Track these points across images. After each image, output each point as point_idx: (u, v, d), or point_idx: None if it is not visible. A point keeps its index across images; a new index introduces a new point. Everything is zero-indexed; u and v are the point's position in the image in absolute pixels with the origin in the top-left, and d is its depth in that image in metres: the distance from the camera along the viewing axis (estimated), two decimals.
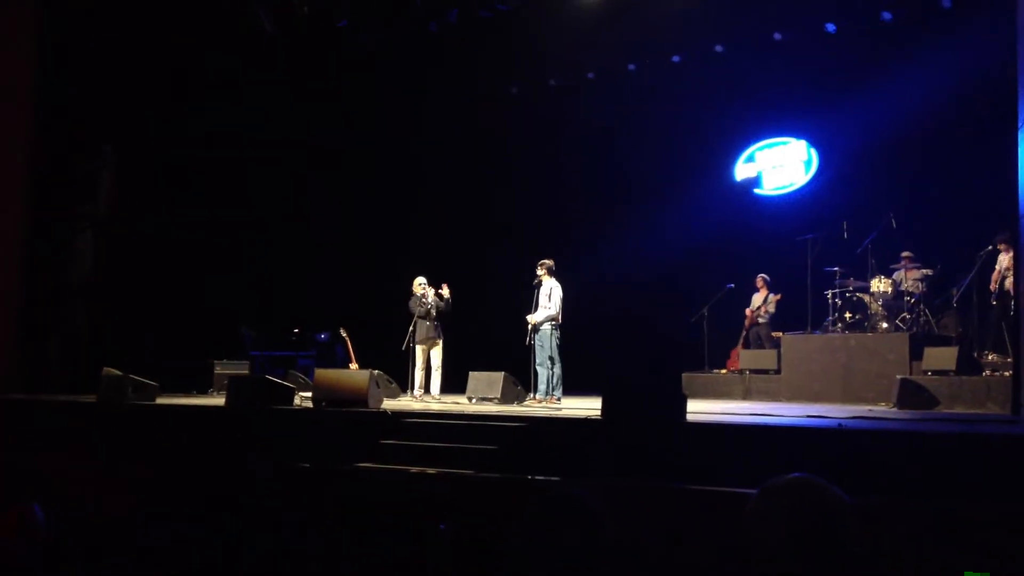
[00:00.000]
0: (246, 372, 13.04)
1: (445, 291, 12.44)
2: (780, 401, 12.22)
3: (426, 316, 12.30)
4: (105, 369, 11.04)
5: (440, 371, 12.31)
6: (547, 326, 11.22)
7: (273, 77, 14.78)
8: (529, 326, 11.32)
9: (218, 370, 13.17)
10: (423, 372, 12.33)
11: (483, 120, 16.29)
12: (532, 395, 11.29)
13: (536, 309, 11.33)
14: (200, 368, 13.33)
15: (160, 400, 11.09)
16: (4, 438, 10.18)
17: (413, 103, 15.91)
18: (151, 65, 13.74)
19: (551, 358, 11.19)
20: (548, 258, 11.53)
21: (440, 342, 12.37)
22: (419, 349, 12.31)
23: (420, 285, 12.49)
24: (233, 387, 10.47)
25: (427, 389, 12.27)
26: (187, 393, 12.75)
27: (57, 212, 13.59)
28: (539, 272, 11.42)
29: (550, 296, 11.28)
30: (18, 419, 10.77)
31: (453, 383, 12.34)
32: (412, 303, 12.43)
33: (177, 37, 13.67)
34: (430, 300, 12.35)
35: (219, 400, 11.17)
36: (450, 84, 15.82)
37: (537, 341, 11.25)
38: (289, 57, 14.65)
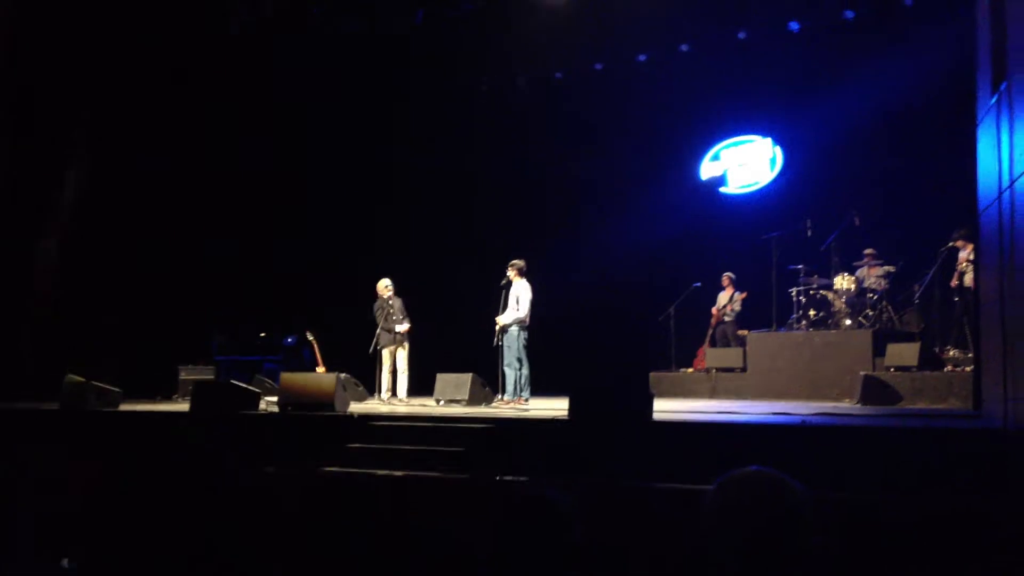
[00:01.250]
0: (211, 377, 12.91)
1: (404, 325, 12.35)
2: (746, 399, 12.30)
3: (386, 322, 12.21)
4: (68, 375, 10.90)
5: (407, 374, 12.24)
6: (515, 328, 11.19)
7: (238, 80, 14.65)
8: (497, 327, 11.29)
9: (183, 375, 13.03)
10: (390, 375, 12.26)
11: (450, 119, 16.24)
12: (500, 396, 11.27)
13: (504, 310, 11.30)
14: (165, 374, 13.19)
15: (124, 406, 10.96)
16: None
17: (380, 103, 15.83)
18: (117, 67, 13.60)
19: (519, 359, 11.17)
20: (518, 259, 11.49)
21: (406, 344, 12.30)
22: (385, 352, 12.26)
23: (386, 287, 12.39)
24: (197, 392, 10.37)
25: (394, 392, 12.21)
26: (151, 399, 12.61)
27: (21, 218, 13.41)
28: (509, 273, 11.36)
29: (518, 298, 11.24)
30: None
31: (421, 385, 12.31)
32: (376, 307, 12.35)
33: (144, 42, 13.55)
34: (395, 311, 12.22)
35: (184, 406, 11.06)
36: (416, 84, 15.76)
37: (505, 342, 11.22)
38: (254, 60, 14.55)
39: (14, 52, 13.15)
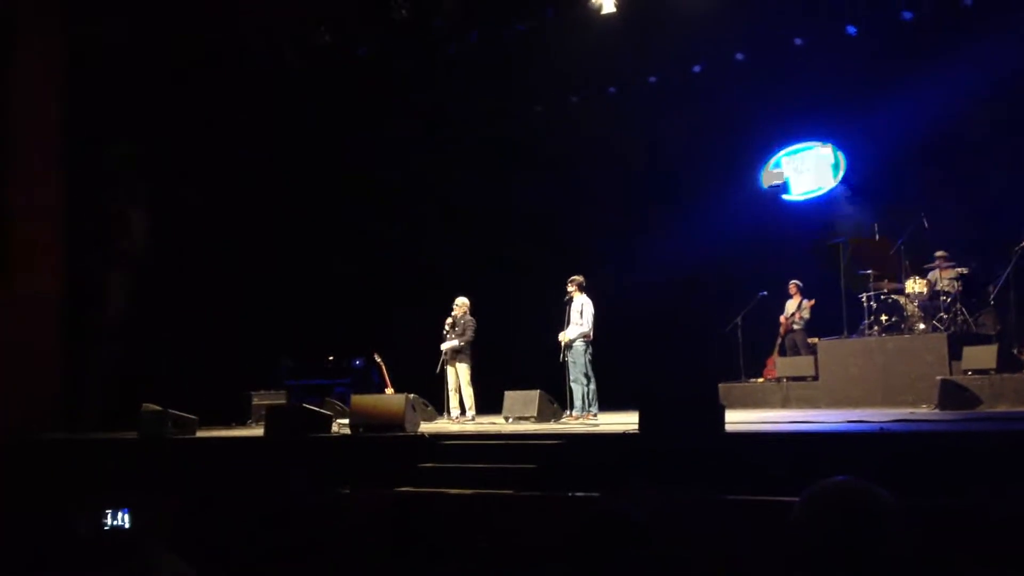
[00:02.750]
0: (283, 402, 13.10)
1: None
2: (819, 408, 12.10)
3: (445, 338, 12.13)
4: (144, 405, 11.16)
5: (470, 389, 12.04)
6: (580, 343, 11.18)
7: (301, 107, 14.95)
8: (562, 343, 11.29)
9: (256, 401, 13.26)
10: (455, 393, 12.19)
11: (508, 139, 16.31)
12: (568, 412, 11.26)
13: (567, 326, 11.30)
14: (238, 400, 13.43)
15: (200, 433, 11.19)
16: (48, 478, 10.32)
17: (438, 125, 15.99)
18: (182, 99, 13.95)
19: (585, 375, 11.15)
20: (578, 274, 11.50)
21: (464, 361, 12.06)
22: (449, 370, 12.18)
23: (458, 305, 12.27)
24: (271, 417, 10.55)
25: (462, 410, 12.16)
26: (226, 425, 12.85)
27: (92, 250, 13.80)
28: (569, 288, 11.40)
29: (581, 313, 11.25)
30: (61, 459, 10.89)
31: (489, 403, 12.28)
32: (448, 324, 12.23)
33: (206, 73, 13.89)
34: (460, 330, 12.12)
35: (258, 431, 11.25)
36: (474, 106, 15.87)
37: (570, 358, 11.22)
38: (315, 86, 14.82)
39: (78, 87, 13.59)
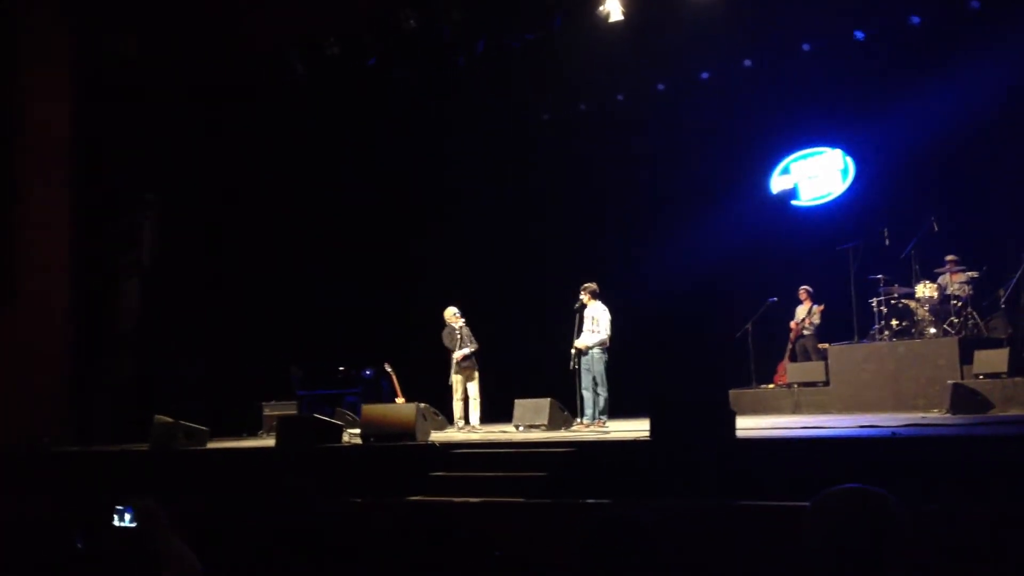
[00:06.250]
0: (294, 412, 13.13)
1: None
2: (831, 413, 12.06)
3: (456, 348, 12.18)
4: (156, 416, 11.19)
5: (478, 400, 12.12)
6: (597, 350, 11.10)
7: (309, 118, 15.01)
8: (573, 351, 11.23)
9: (267, 411, 13.30)
10: (461, 403, 12.20)
11: (517, 147, 16.34)
12: (579, 420, 11.23)
13: (579, 333, 11.25)
14: (249, 410, 13.47)
15: (211, 444, 11.22)
16: (59, 490, 10.34)
17: (446, 135, 16.02)
18: (190, 112, 14.03)
19: (597, 382, 11.09)
20: (590, 281, 11.46)
21: (475, 372, 12.18)
22: (456, 379, 12.19)
23: (453, 315, 12.36)
24: (282, 428, 10.57)
25: (467, 419, 12.16)
26: (237, 436, 12.87)
27: (102, 263, 13.87)
28: (582, 296, 11.29)
29: (597, 320, 11.19)
30: (72, 471, 10.92)
31: (499, 411, 12.28)
32: (445, 335, 12.33)
33: (216, 86, 13.97)
34: (456, 329, 12.20)
35: (269, 441, 11.27)
36: (482, 114, 15.90)
37: (583, 365, 11.15)
38: (322, 98, 14.87)
39: (87, 100, 13.70)
